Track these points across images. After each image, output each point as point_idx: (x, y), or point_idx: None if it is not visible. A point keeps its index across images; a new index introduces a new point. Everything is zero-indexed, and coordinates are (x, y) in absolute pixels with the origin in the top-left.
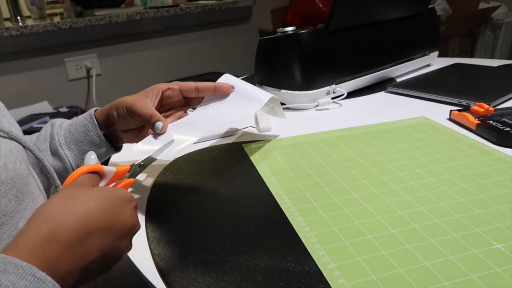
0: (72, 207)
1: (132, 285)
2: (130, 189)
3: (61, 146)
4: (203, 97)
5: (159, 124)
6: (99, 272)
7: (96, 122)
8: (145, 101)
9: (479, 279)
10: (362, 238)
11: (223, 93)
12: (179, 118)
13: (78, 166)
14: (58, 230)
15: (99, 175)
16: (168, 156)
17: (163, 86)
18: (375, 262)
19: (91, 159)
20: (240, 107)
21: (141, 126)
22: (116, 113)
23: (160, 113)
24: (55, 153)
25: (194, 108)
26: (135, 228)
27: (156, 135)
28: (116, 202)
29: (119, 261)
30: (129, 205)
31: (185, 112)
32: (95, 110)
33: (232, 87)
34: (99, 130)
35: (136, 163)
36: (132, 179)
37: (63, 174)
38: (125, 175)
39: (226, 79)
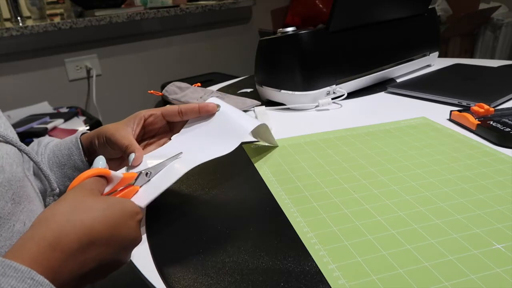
0: (78, 216)
1: (131, 285)
2: None
3: (36, 174)
4: (187, 121)
5: (131, 156)
6: (94, 279)
7: (80, 147)
8: (125, 130)
9: (480, 279)
10: (363, 239)
11: (208, 113)
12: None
13: (59, 189)
14: (62, 238)
15: (106, 179)
16: (141, 201)
17: (145, 113)
18: (375, 262)
19: (99, 164)
20: (223, 139)
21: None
22: (98, 141)
23: (144, 140)
24: (36, 173)
25: None
26: (136, 242)
27: (131, 166)
28: (122, 214)
29: (116, 270)
30: (135, 218)
31: (169, 139)
32: (82, 134)
33: (218, 106)
34: (83, 155)
35: (143, 171)
36: (137, 187)
37: (43, 195)
38: (130, 182)
39: (213, 101)
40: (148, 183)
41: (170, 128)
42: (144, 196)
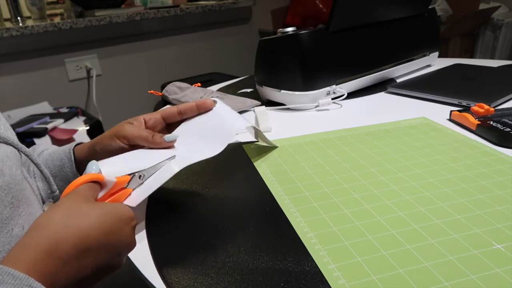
0: (74, 222)
1: (131, 284)
2: None
3: (34, 177)
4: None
5: (174, 135)
6: (88, 284)
7: (73, 159)
8: (132, 126)
9: (480, 279)
10: (363, 239)
11: (206, 109)
12: None
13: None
14: (59, 245)
15: (100, 184)
16: (133, 201)
17: (145, 117)
18: (375, 262)
19: (93, 169)
20: (215, 138)
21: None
22: (103, 145)
23: None
24: (37, 175)
25: None
26: (131, 247)
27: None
28: (117, 220)
29: (109, 275)
30: (129, 224)
31: None
32: (77, 145)
33: (215, 102)
34: (74, 168)
35: (136, 174)
36: (131, 189)
37: (42, 197)
38: (124, 185)
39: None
40: (141, 186)
41: (169, 130)
42: (137, 197)
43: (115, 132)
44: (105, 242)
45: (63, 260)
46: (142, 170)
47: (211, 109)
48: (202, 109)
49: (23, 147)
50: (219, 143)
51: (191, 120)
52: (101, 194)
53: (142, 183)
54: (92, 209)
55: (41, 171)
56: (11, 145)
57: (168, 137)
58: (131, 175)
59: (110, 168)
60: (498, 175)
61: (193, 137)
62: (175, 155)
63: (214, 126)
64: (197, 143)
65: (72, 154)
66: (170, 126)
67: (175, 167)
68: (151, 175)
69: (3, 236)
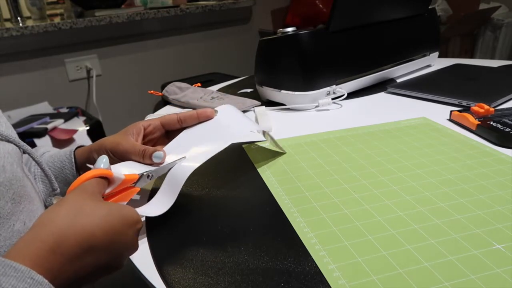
0: (79, 220)
1: (131, 285)
2: None
3: (35, 179)
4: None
5: (160, 154)
6: (86, 283)
7: (73, 161)
8: (129, 139)
9: (480, 279)
10: (363, 239)
11: (206, 118)
12: None
13: (48, 202)
14: (63, 242)
15: (108, 180)
16: (155, 210)
17: (144, 123)
18: (375, 262)
19: (103, 162)
20: (220, 138)
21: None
22: (98, 155)
23: None
24: (37, 173)
25: None
26: (132, 250)
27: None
28: (122, 222)
29: (108, 275)
30: (134, 227)
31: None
32: (78, 148)
33: (215, 111)
34: (74, 170)
35: (145, 173)
36: (138, 188)
37: (44, 195)
38: (132, 184)
39: (220, 108)
40: (161, 196)
41: (168, 136)
42: (158, 207)
43: (112, 148)
44: (108, 243)
45: (66, 257)
46: (150, 170)
47: (211, 118)
48: (202, 118)
49: (24, 145)
50: (228, 139)
51: (193, 127)
52: (108, 190)
53: (151, 180)
54: (98, 208)
55: (42, 169)
56: (12, 142)
57: (155, 156)
58: (140, 175)
59: (119, 168)
60: (498, 175)
61: (198, 139)
62: (185, 156)
63: (219, 132)
64: (205, 143)
65: (72, 156)
66: (169, 133)
67: (191, 166)
68: (159, 175)
69: (4, 231)
